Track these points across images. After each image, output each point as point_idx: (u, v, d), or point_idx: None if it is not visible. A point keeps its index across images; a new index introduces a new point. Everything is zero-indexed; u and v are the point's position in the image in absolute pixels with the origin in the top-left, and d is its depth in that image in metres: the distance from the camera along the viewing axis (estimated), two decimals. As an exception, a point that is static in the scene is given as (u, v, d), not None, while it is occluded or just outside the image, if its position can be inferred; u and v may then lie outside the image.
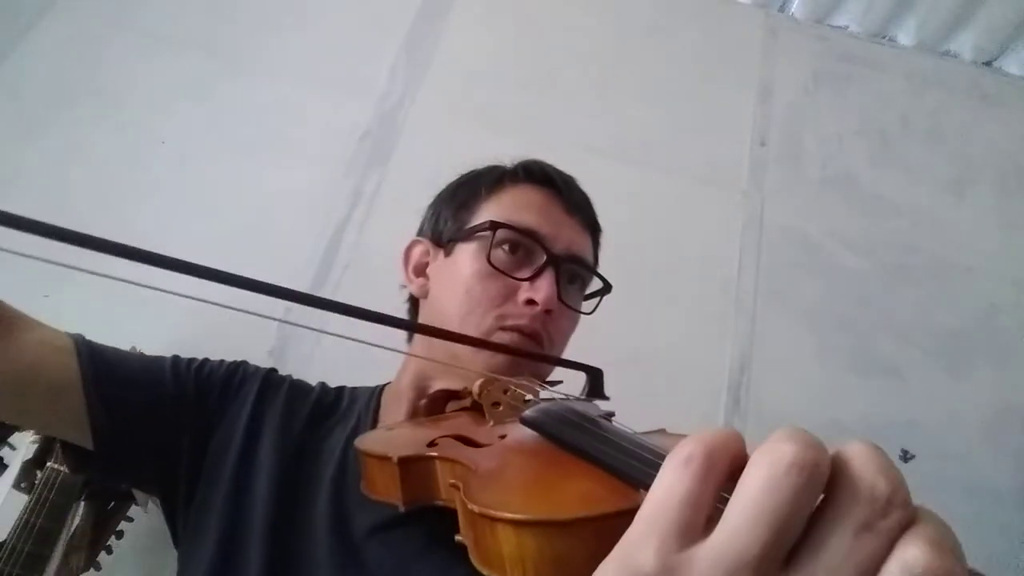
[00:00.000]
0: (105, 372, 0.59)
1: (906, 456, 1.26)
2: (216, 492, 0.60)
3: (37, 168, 1.30)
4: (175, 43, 1.45)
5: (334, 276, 1.27)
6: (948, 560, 0.19)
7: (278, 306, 0.39)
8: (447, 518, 0.39)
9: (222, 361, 0.70)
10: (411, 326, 0.70)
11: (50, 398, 0.57)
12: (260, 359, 1.19)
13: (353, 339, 0.45)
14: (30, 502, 0.85)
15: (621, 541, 0.23)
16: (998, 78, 1.67)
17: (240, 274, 0.39)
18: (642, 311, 1.30)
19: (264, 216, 1.31)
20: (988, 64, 1.69)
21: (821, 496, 0.21)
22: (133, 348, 1.05)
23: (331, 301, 0.44)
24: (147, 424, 0.61)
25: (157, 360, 0.66)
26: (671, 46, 1.61)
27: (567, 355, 0.67)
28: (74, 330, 0.63)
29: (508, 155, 0.73)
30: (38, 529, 0.84)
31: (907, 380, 1.33)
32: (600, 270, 0.72)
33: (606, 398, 0.55)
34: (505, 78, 1.51)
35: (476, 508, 0.34)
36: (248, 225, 1.30)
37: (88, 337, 0.63)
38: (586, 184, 0.73)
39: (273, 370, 0.73)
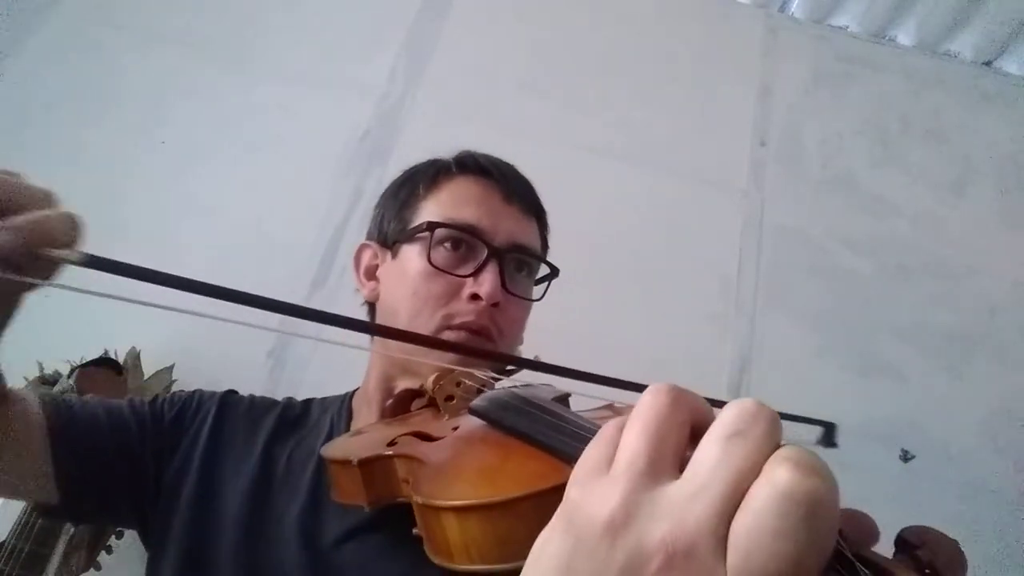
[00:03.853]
0: (68, 419, 0.58)
1: (906, 456, 1.26)
2: (174, 517, 0.59)
3: (36, 168, 1.30)
4: (175, 43, 1.45)
5: (334, 275, 1.27)
6: (814, 480, 0.20)
7: (271, 317, 0.39)
8: (413, 517, 0.39)
9: (175, 393, 0.69)
10: (373, 329, 0.69)
11: (17, 451, 0.54)
12: (260, 360, 1.21)
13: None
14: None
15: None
16: (998, 78, 1.68)
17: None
18: (642, 311, 1.30)
19: (264, 216, 1.31)
20: (988, 64, 1.69)
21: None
22: (133, 348, 1.06)
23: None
24: (114, 466, 0.59)
25: (116, 403, 0.64)
26: (671, 46, 1.61)
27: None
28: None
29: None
30: (38, 529, 0.84)
31: (907, 380, 1.33)
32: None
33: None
34: (505, 78, 1.51)
35: (420, 499, 0.35)
36: (249, 225, 1.30)
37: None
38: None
39: (231, 391, 0.71)
